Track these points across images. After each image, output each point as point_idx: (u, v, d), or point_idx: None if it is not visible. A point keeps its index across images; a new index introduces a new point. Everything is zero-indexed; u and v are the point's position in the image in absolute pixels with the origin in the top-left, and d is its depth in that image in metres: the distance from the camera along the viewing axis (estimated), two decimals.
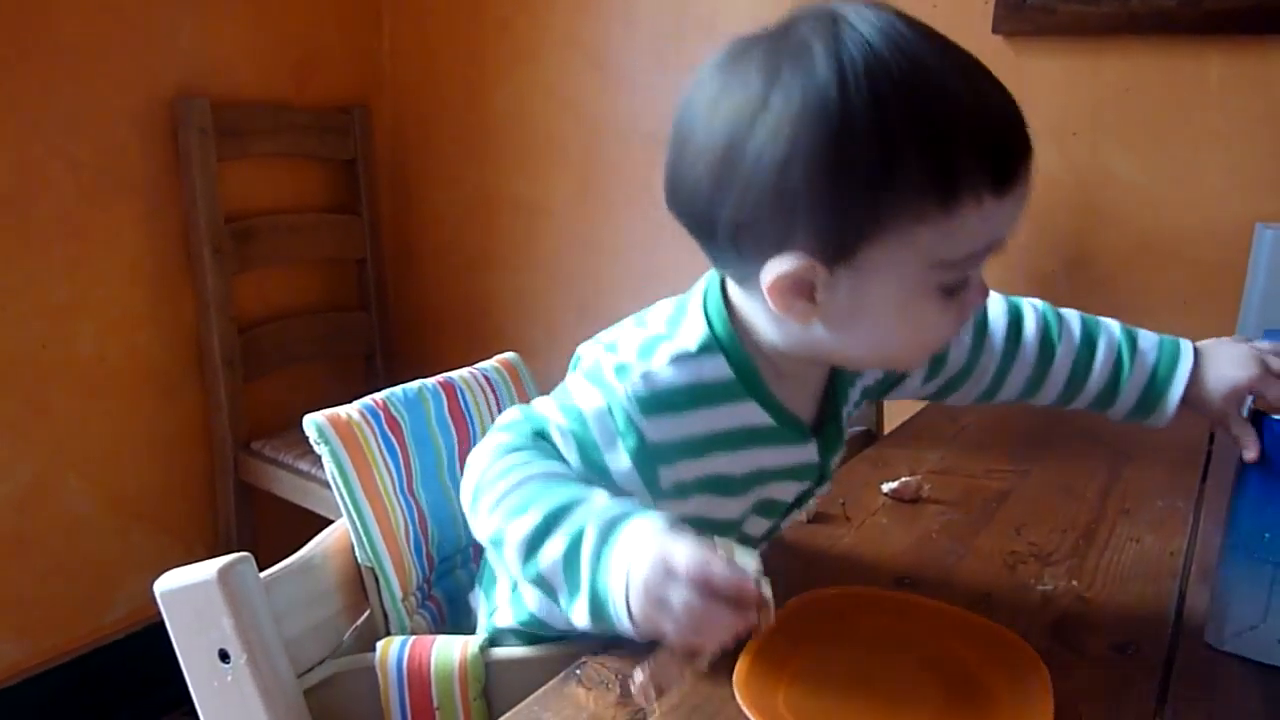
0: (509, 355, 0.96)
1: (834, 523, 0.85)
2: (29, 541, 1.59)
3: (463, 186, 2.01)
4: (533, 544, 0.54)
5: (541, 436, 0.60)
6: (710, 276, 0.63)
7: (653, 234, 1.74)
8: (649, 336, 0.61)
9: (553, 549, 0.53)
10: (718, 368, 0.60)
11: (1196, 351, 0.70)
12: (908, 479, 0.93)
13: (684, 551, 0.48)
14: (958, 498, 0.92)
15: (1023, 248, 1.38)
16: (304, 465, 1.67)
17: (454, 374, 0.90)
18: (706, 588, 0.47)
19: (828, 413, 0.67)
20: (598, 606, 0.52)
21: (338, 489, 0.77)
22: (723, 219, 0.54)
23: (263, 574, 0.70)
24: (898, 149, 0.49)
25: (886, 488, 0.92)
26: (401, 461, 0.82)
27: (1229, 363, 0.68)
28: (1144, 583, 0.76)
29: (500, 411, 0.91)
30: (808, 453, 0.65)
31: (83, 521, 1.66)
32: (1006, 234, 0.55)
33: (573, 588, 0.53)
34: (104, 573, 1.70)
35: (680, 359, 0.59)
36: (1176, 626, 0.69)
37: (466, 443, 0.87)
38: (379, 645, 0.73)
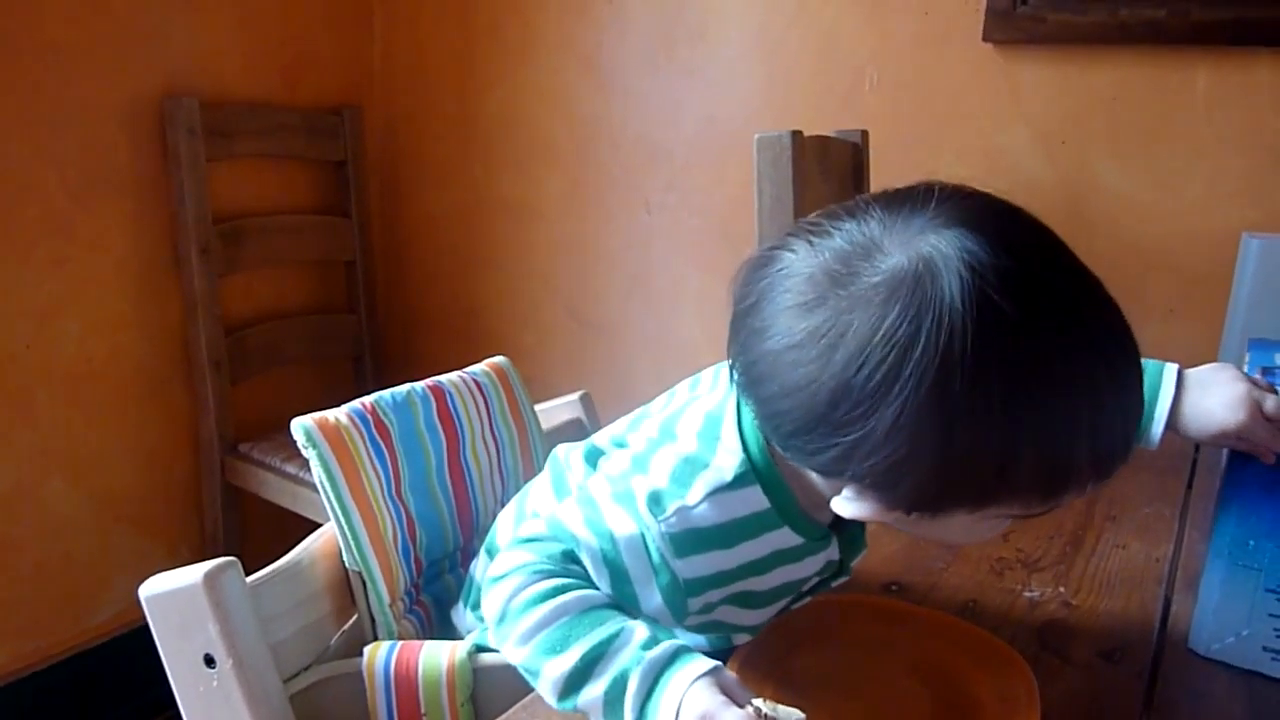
0: (499, 359, 0.96)
1: None
2: (13, 544, 1.58)
3: (453, 188, 2.00)
4: (572, 684, 0.54)
5: (571, 559, 0.59)
6: None
7: (644, 237, 1.73)
8: (682, 459, 0.59)
9: (594, 691, 0.53)
10: (755, 500, 0.58)
11: (1181, 383, 0.68)
12: None
13: None
14: None
15: None
16: (291, 468, 1.67)
17: (443, 378, 0.89)
18: None
19: None
20: None
21: (325, 493, 0.76)
22: (807, 455, 0.51)
23: (249, 578, 0.69)
24: (1018, 464, 0.47)
25: None
26: (390, 465, 0.82)
27: (1219, 403, 0.66)
28: (1130, 589, 0.76)
29: (490, 417, 0.91)
30: (830, 553, 0.64)
31: (67, 524, 1.65)
32: None
33: None
34: (89, 576, 1.69)
35: (716, 493, 0.58)
36: (1161, 633, 0.70)
37: (455, 447, 0.87)
38: (366, 650, 0.73)
